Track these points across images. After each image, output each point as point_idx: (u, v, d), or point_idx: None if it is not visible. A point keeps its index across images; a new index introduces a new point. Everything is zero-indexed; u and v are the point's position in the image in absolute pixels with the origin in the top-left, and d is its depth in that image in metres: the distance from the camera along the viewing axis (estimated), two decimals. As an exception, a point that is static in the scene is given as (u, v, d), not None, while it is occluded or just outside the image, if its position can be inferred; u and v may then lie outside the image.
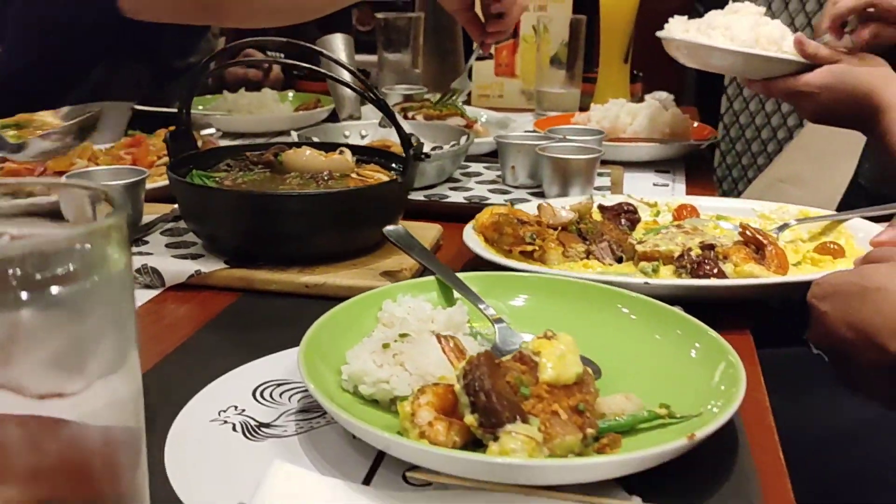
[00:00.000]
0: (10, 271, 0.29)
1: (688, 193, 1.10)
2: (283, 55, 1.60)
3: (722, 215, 0.91)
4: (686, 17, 1.10)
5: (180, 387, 0.59)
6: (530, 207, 0.86)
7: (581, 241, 0.80)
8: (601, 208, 0.89)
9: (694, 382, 0.54)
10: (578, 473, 0.44)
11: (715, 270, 0.74)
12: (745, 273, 0.75)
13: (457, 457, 0.45)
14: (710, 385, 0.53)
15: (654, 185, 1.14)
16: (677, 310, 0.62)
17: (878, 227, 0.82)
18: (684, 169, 1.22)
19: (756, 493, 0.48)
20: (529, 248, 0.78)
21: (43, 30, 1.45)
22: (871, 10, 1.00)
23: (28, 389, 0.29)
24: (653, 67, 1.68)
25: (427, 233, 0.87)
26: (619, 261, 0.81)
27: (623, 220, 0.87)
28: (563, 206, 0.84)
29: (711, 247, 0.77)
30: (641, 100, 1.44)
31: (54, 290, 0.29)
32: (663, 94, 1.63)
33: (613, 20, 1.54)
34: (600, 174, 1.09)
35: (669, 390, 0.54)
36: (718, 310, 0.68)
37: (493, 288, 0.67)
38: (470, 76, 1.70)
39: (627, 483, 0.47)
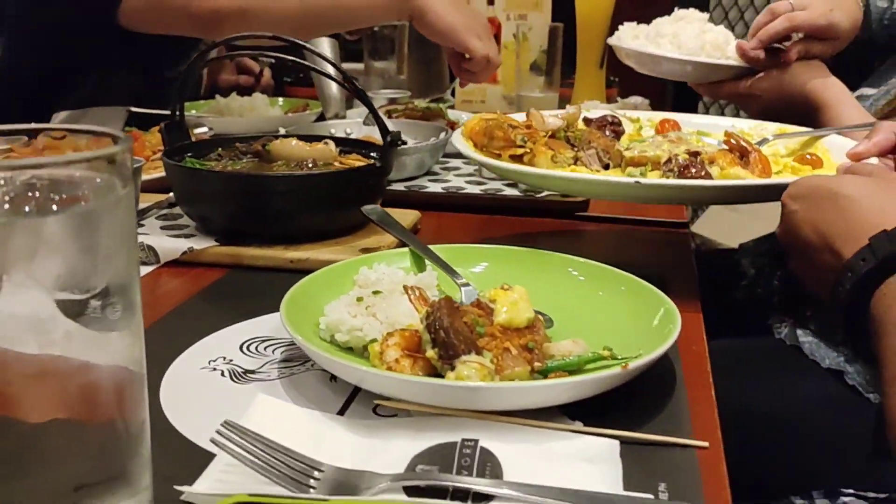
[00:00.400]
0: (30, 193, 0.36)
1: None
2: (273, 59, 1.66)
3: (703, 131, 0.97)
4: (635, 22, 1.17)
5: (173, 342, 0.65)
6: (518, 116, 0.91)
7: (569, 148, 0.81)
8: (586, 121, 0.93)
9: (635, 329, 0.60)
10: (525, 396, 0.50)
11: (702, 173, 0.77)
12: (731, 176, 0.77)
13: (418, 382, 0.51)
14: (649, 330, 0.59)
15: (623, 178, 1.20)
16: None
17: (853, 142, 0.84)
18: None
19: (686, 421, 0.54)
20: (520, 150, 0.80)
21: (40, 37, 1.51)
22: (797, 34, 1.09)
23: (50, 285, 0.34)
24: (631, 73, 1.75)
25: (405, 217, 0.93)
26: (606, 167, 0.85)
27: (608, 132, 0.91)
28: (552, 114, 0.87)
29: (697, 153, 0.80)
30: (615, 102, 1.51)
31: (70, 208, 0.36)
32: (638, 99, 1.70)
33: (589, 28, 1.62)
34: (572, 168, 1.16)
35: (613, 336, 0.60)
36: (670, 280, 0.74)
37: (459, 258, 0.73)
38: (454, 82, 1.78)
39: (571, 413, 0.53)
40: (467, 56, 1.31)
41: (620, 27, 1.17)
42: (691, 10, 1.16)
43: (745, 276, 1.23)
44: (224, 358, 0.63)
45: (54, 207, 0.36)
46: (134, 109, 1.40)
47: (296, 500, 0.43)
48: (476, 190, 1.07)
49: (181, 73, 1.77)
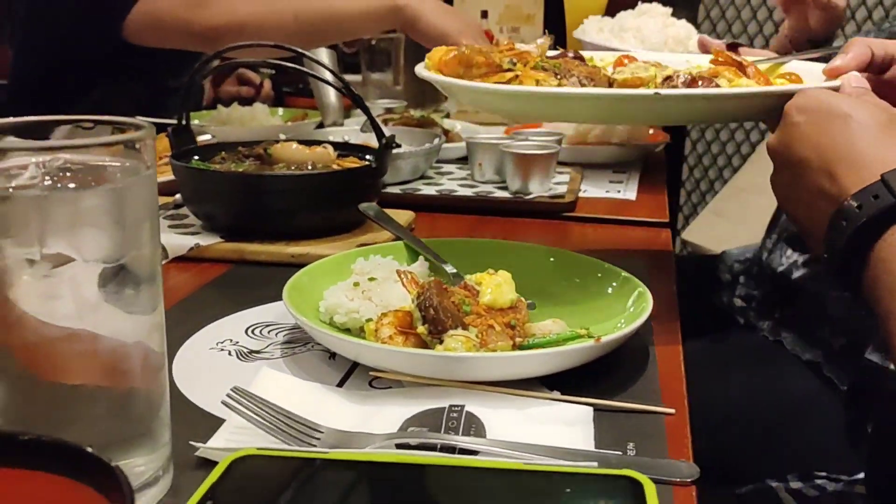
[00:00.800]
0: (65, 174, 0.41)
1: (639, 192, 1.21)
2: (273, 71, 1.72)
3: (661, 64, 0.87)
4: (601, 15, 1.19)
5: (182, 327, 0.70)
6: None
7: (552, 76, 0.72)
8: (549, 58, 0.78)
9: (610, 311, 0.65)
10: (507, 366, 0.55)
11: (714, 85, 0.69)
12: (744, 86, 0.71)
13: (410, 353, 0.56)
14: (623, 311, 0.64)
15: (610, 181, 1.25)
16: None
17: (818, 66, 0.79)
18: (640, 170, 1.34)
19: (656, 392, 0.59)
20: (507, 75, 0.70)
21: (48, 50, 1.57)
22: None
23: (86, 254, 0.40)
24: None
25: (401, 217, 0.98)
26: None
27: None
28: (525, 47, 0.77)
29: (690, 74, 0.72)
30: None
31: (101, 186, 0.41)
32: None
33: (578, 43, 1.67)
34: (561, 172, 1.21)
35: (590, 318, 0.65)
36: (649, 271, 0.79)
37: (448, 250, 0.78)
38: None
39: (550, 384, 0.58)
40: None
41: (586, 20, 1.18)
42: (654, 4, 1.18)
43: (722, 283, 1.28)
44: (231, 340, 0.68)
45: (86, 185, 0.41)
46: (140, 119, 1.45)
47: (299, 452, 0.48)
48: (468, 192, 1.13)
49: (183, 82, 1.83)
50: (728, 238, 1.81)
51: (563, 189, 1.13)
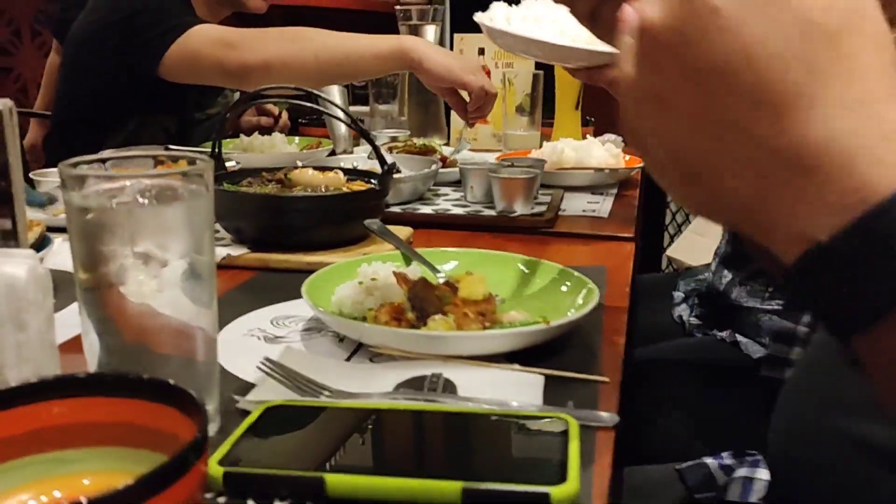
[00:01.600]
0: (149, 192, 0.57)
1: (612, 211, 1.37)
2: (290, 104, 1.90)
3: None
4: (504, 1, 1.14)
5: (219, 319, 0.86)
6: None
7: None
8: None
9: (564, 304, 0.81)
10: (477, 343, 0.71)
11: None
12: None
13: (401, 332, 0.71)
14: (574, 305, 0.80)
15: (588, 202, 1.41)
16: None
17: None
18: (615, 192, 1.50)
19: (598, 366, 0.74)
20: None
21: (90, 88, 1.74)
22: None
23: (169, 254, 0.56)
24: (606, 112, 1.98)
25: (401, 232, 1.15)
26: None
27: None
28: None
29: None
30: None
31: (177, 202, 0.57)
32: (612, 136, 1.92)
33: (565, 75, 1.85)
34: (544, 194, 1.37)
35: (547, 309, 0.80)
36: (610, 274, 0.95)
37: (437, 258, 0.94)
38: (449, 123, 2.01)
39: (511, 359, 0.74)
40: (467, 98, 1.52)
41: (493, 4, 1.13)
42: None
43: (673, 299, 1.43)
44: (258, 328, 0.84)
45: (168, 202, 0.57)
46: (171, 147, 1.63)
47: (315, 402, 0.64)
48: (460, 211, 1.29)
49: (208, 115, 2.01)
50: (708, 256, 1.96)
51: (543, 208, 1.29)
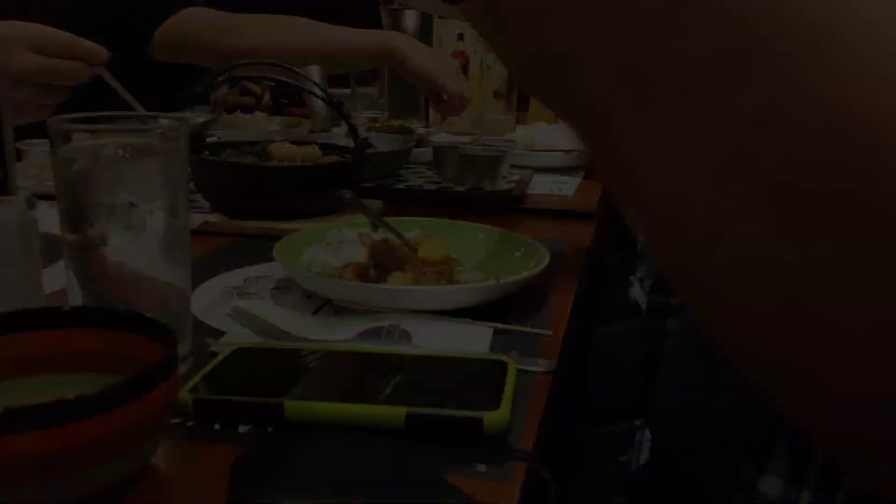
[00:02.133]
0: (128, 147, 0.63)
1: (577, 191, 1.43)
2: (273, 83, 1.95)
3: None
4: None
5: (195, 278, 0.91)
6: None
7: None
8: None
9: (518, 267, 0.87)
10: (431, 297, 0.77)
11: None
12: None
13: (363, 286, 0.77)
14: (526, 266, 0.86)
15: (555, 182, 1.48)
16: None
17: None
18: (584, 174, 1.57)
19: (545, 321, 0.81)
20: None
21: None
22: None
23: (144, 204, 0.61)
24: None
25: (372, 204, 1.20)
26: None
27: None
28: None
29: None
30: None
31: (155, 155, 0.63)
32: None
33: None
34: (514, 173, 1.43)
35: (502, 271, 0.86)
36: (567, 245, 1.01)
37: (403, 225, 1.00)
38: (428, 108, 2.06)
39: (464, 315, 0.80)
40: (444, 96, 1.59)
41: None
42: None
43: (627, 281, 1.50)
44: (233, 286, 0.89)
45: (147, 153, 0.63)
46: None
47: (279, 344, 0.70)
48: (431, 187, 1.35)
49: (192, 94, 2.05)
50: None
51: (511, 186, 1.35)
